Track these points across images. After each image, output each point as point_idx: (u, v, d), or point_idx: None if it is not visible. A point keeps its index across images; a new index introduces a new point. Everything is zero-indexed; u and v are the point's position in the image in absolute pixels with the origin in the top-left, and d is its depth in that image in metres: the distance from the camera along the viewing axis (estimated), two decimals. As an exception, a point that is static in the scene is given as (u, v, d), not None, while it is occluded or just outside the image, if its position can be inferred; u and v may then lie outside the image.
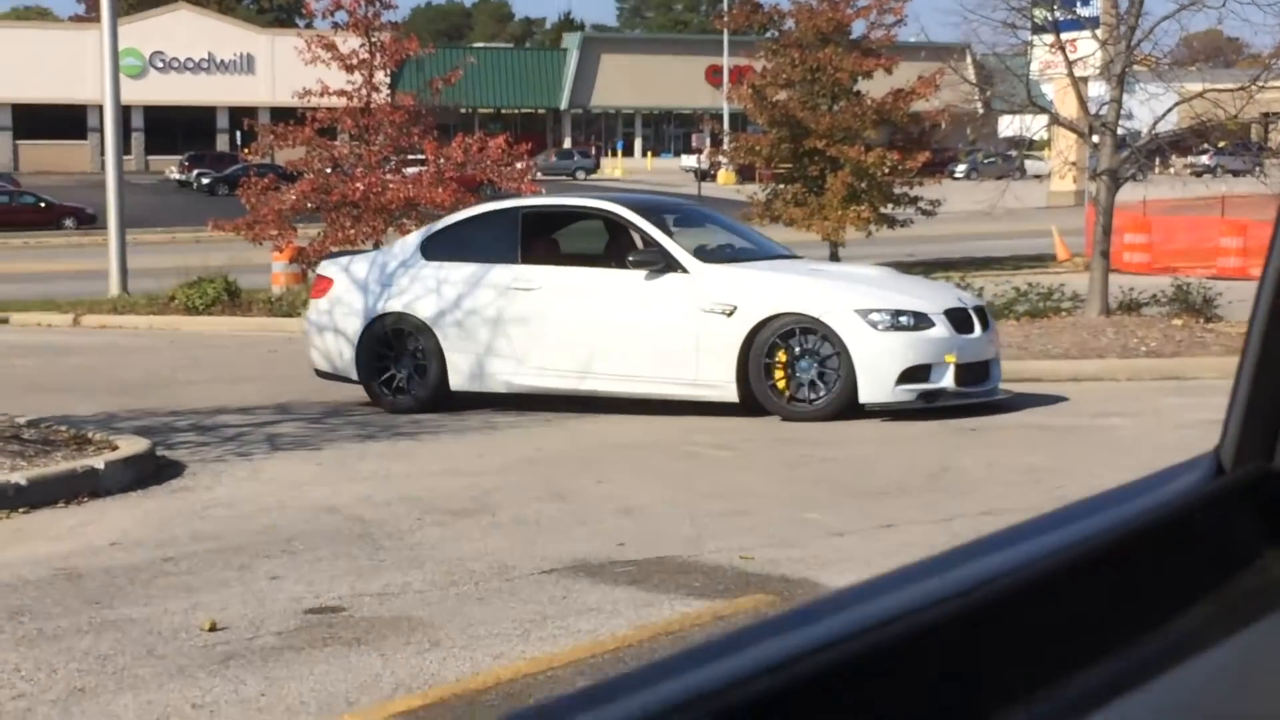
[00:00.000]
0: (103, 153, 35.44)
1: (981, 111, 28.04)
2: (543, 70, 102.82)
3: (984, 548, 1.16)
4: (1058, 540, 1.17)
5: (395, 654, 6.54)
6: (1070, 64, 19.77)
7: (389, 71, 26.05)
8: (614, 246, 14.54)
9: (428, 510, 9.61)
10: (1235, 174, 73.70)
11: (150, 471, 10.87)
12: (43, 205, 60.33)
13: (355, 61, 25.02)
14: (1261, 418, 1.35)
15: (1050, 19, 20.14)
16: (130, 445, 11.22)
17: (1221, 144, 57.18)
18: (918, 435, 12.50)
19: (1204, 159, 70.65)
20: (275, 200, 24.85)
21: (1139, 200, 33.25)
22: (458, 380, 14.39)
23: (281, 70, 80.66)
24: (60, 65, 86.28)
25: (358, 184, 24.34)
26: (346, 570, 8.04)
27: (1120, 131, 19.64)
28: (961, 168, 76.52)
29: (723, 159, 41.55)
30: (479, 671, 6.31)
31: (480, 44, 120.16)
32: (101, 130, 33.39)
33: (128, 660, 6.50)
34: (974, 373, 13.58)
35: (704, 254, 14.17)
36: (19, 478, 9.98)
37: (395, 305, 14.60)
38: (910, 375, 13.16)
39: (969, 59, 35.28)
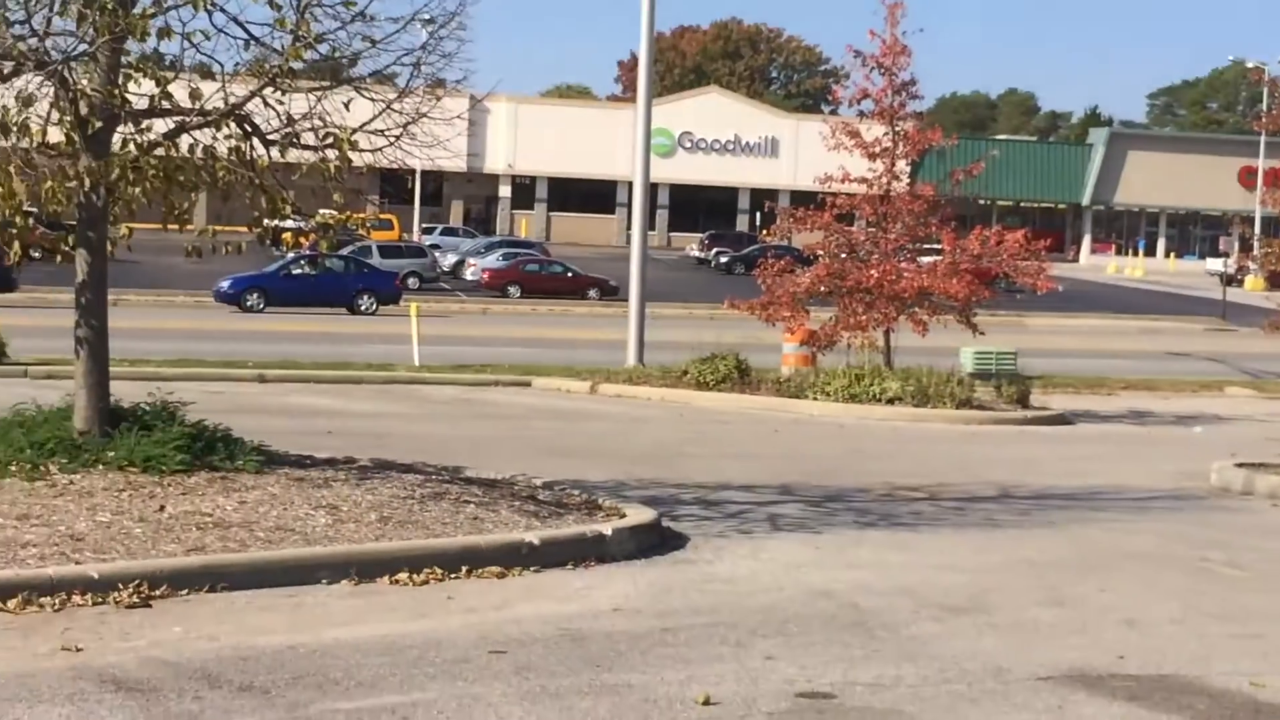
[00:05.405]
0: (629, 227, 36.77)
1: None
2: (1066, 165, 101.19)
3: None
4: None
5: (883, 747, 6.50)
6: None
7: (910, 160, 26.12)
8: None
9: (923, 604, 9.53)
10: None
11: (654, 541, 11.16)
12: (570, 275, 62.88)
13: (878, 149, 25.21)
14: None
15: None
16: (637, 514, 11.57)
17: None
18: None
19: None
20: (790, 282, 25.21)
21: None
22: None
23: (804, 155, 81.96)
24: (595, 142, 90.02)
25: (872, 270, 24.48)
26: (839, 657, 8.05)
27: None
28: None
29: (1251, 264, 39.98)
30: (967, 775, 6.21)
31: (1004, 136, 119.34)
32: (629, 206, 34.67)
33: (623, 725, 6.66)
34: None
35: None
36: (533, 537, 10.42)
37: None
38: None
39: None
